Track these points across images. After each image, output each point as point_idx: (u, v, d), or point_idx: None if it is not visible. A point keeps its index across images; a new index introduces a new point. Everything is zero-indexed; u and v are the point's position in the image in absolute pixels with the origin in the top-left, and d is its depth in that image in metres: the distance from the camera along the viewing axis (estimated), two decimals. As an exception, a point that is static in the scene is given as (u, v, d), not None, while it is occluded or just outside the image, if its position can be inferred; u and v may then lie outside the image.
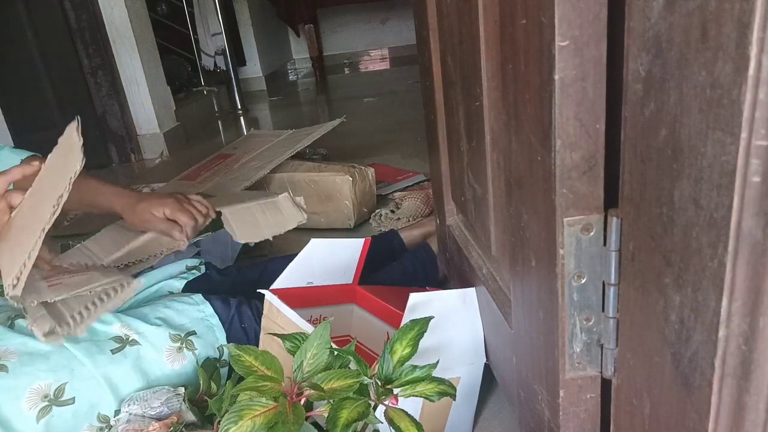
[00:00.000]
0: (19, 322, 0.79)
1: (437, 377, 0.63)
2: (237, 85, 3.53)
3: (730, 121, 0.29)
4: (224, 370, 0.90)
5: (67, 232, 1.62)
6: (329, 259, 0.91)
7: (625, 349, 0.47)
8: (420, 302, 0.77)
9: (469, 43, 0.67)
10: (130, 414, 0.77)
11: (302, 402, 0.58)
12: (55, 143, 0.80)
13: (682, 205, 0.35)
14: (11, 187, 0.76)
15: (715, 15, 0.29)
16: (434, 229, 1.17)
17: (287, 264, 0.87)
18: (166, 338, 0.84)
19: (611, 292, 0.47)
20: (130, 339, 0.82)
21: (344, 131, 2.18)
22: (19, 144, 1.81)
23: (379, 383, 0.63)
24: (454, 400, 0.66)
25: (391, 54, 5.07)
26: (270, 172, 1.59)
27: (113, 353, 0.80)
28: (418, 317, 0.67)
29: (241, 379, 0.60)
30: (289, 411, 0.55)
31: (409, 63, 4.42)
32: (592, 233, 0.47)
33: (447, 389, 0.63)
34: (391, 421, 0.60)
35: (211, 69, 3.69)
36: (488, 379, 0.84)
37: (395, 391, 0.63)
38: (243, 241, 1.02)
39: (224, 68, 3.55)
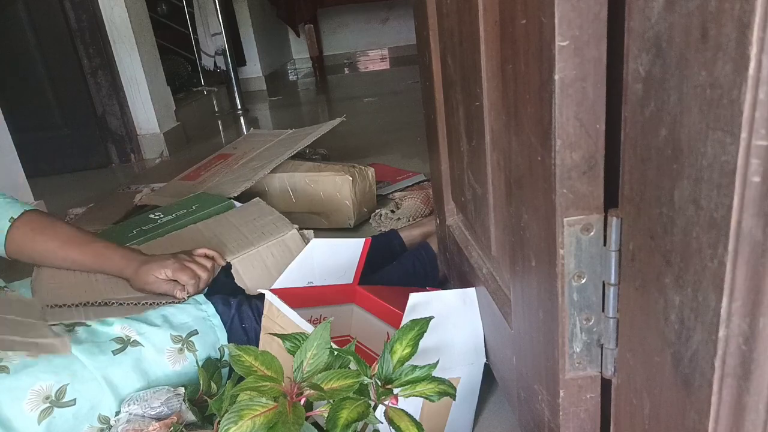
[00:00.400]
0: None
1: (437, 377, 0.63)
2: (237, 85, 3.53)
3: (730, 121, 0.29)
4: (225, 371, 0.90)
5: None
6: (329, 259, 0.91)
7: (625, 349, 0.47)
8: (420, 302, 0.77)
9: (469, 43, 0.67)
10: (130, 414, 0.77)
11: (302, 402, 0.58)
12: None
13: (682, 205, 0.35)
14: None
15: (715, 15, 0.29)
16: (434, 229, 1.17)
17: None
18: (168, 339, 0.84)
19: (611, 292, 0.47)
20: (132, 340, 0.82)
21: (344, 131, 2.18)
22: (19, 144, 1.81)
23: (379, 383, 0.63)
24: (454, 400, 0.66)
25: (391, 54, 5.07)
26: (270, 172, 1.59)
27: (114, 354, 0.80)
28: (418, 317, 0.67)
29: (241, 379, 0.60)
30: (289, 411, 0.55)
31: (409, 63, 4.42)
32: (592, 233, 0.47)
33: (447, 389, 0.63)
34: (391, 421, 0.60)
35: (211, 69, 3.68)
36: (488, 379, 0.84)
37: (395, 391, 0.63)
38: (255, 293, 1.02)
39: (224, 68, 3.55)
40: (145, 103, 2.61)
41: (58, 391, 0.74)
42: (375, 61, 5.03)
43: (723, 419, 0.35)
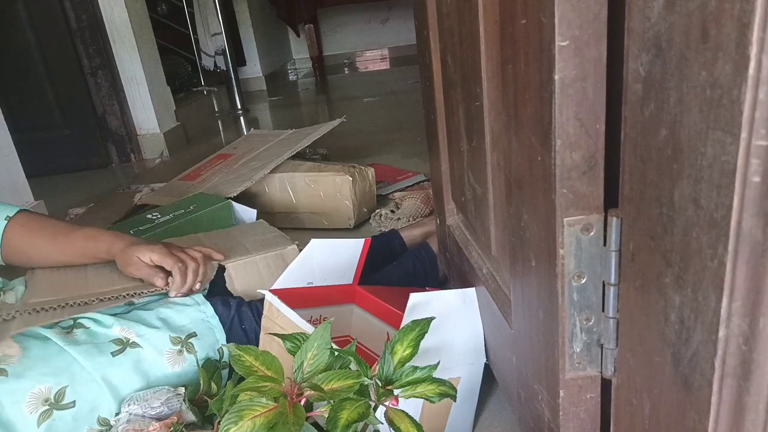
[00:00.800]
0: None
1: (438, 378, 0.63)
2: (237, 85, 3.53)
3: (730, 121, 0.29)
4: (225, 371, 0.90)
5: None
6: (329, 259, 0.91)
7: (625, 349, 0.47)
8: (420, 302, 0.77)
9: (469, 43, 0.67)
10: (130, 414, 0.77)
11: (302, 402, 0.58)
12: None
13: (682, 205, 0.35)
14: None
15: (715, 15, 0.29)
16: (434, 229, 1.17)
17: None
18: (167, 341, 0.84)
19: (611, 292, 0.47)
20: (131, 341, 0.82)
21: (344, 131, 2.18)
22: (19, 144, 1.81)
23: (380, 384, 0.63)
24: (455, 401, 0.66)
25: (391, 54, 5.07)
26: (270, 172, 1.59)
27: (113, 355, 0.80)
28: (418, 317, 0.67)
29: (241, 379, 0.60)
30: (289, 411, 0.55)
31: (409, 63, 4.43)
32: (592, 233, 0.47)
33: (447, 390, 0.63)
34: (391, 422, 0.60)
35: (211, 69, 3.69)
36: (488, 379, 0.84)
37: (396, 391, 0.63)
38: (246, 299, 1.00)
39: (224, 68, 3.55)
40: (145, 103, 2.61)
41: (57, 393, 0.74)
42: (375, 61, 5.03)
43: (723, 419, 0.35)
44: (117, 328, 0.82)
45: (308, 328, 0.73)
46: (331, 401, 0.58)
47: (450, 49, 0.78)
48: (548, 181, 0.48)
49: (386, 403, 0.61)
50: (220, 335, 0.90)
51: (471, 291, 0.82)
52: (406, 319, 0.76)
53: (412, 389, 0.63)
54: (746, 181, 0.29)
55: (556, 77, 0.43)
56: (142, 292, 0.90)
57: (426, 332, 0.66)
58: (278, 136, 1.92)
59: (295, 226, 1.61)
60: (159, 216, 1.33)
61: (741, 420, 0.34)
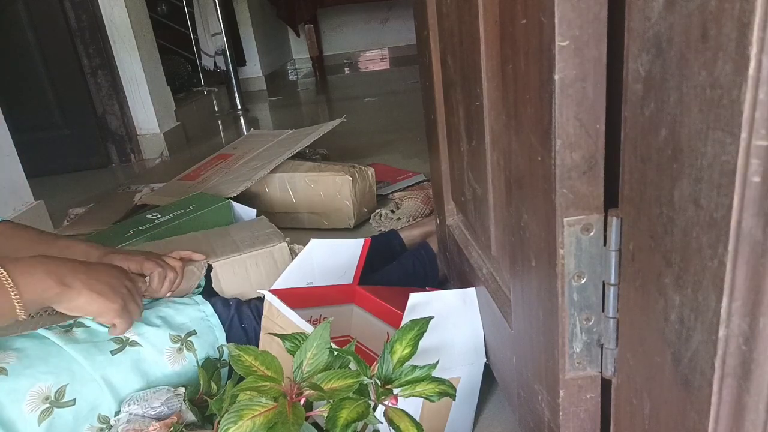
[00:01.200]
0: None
1: (437, 377, 0.63)
2: (237, 85, 3.53)
3: (730, 121, 0.29)
4: (224, 371, 0.90)
5: (65, 233, 1.62)
6: (329, 259, 0.91)
7: (625, 349, 0.47)
8: (420, 302, 0.77)
9: (469, 43, 0.67)
10: (130, 414, 0.77)
11: (302, 402, 0.58)
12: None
13: (682, 205, 0.35)
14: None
15: (715, 15, 0.29)
16: (434, 229, 1.17)
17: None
18: (167, 339, 0.84)
19: (611, 292, 0.47)
20: (130, 340, 0.82)
21: (344, 131, 2.18)
22: (19, 144, 1.81)
23: (379, 383, 0.63)
24: (454, 400, 0.66)
25: (391, 54, 5.08)
26: (270, 172, 1.59)
27: (113, 354, 0.80)
28: (418, 317, 0.67)
29: (241, 379, 0.60)
30: (288, 411, 0.55)
31: (409, 63, 4.43)
32: (592, 233, 0.47)
33: (447, 389, 0.63)
34: (390, 422, 0.60)
35: (211, 69, 3.69)
36: (488, 379, 0.84)
37: (395, 391, 0.63)
38: (228, 296, 0.99)
39: (224, 68, 3.55)
40: (145, 103, 2.61)
41: (57, 391, 0.74)
42: (375, 61, 5.03)
43: (723, 419, 0.35)
44: (116, 328, 0.82)
45: (308, 328, 0.73)
46: (331, 401, 0.58)
47: (450, 49, 0.78)
48: (548, 181, 0.48)
49: (386, 403, 0.61)
50: (220, 334, 0.90)
51: (471, 291, 0.82)
52: (406, 319, 0.76)
53: (411, 388, 0.63)
54: (746, 181, 0.29)
55: (556, 77, 0.43)
56: None
57: (425, 331, 0.66)
58: (278, 136, 1.92)
59: (295, 226, 1.61)
60: (159, 216, 1.33)
61: (741, 420, 0.34)
